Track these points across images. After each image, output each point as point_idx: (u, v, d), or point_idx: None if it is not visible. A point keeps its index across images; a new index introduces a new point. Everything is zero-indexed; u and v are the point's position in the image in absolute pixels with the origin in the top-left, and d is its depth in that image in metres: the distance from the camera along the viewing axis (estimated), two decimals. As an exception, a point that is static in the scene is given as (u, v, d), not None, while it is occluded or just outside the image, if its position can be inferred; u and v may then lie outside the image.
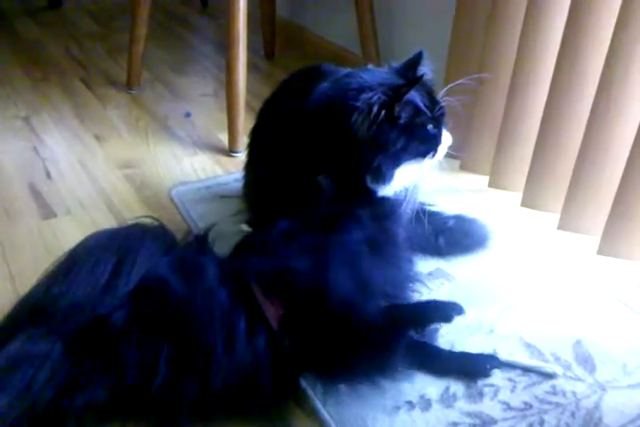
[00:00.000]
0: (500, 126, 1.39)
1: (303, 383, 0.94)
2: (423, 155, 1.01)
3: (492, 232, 1.25)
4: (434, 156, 1.02)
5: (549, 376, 0.98)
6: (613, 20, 1.10)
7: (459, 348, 1.02)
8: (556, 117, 1.25)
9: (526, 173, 1.35)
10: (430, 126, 0.99)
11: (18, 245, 1.25)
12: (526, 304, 1.12)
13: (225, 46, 1.54)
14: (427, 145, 1.00)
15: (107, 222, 1.33)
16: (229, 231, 1.28)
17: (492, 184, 1.44)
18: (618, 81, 1.12)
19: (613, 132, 1.16)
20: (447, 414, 0.91)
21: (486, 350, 1.02)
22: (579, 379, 0.98)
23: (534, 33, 1.26)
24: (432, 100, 1.00)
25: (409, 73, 1.02)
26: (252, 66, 1.80)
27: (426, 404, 0.93)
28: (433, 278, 1.17)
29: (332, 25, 2.16)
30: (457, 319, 1.06)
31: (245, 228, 1.27)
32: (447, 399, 0.93)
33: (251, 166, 1.22)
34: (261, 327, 0.89)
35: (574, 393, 0.95)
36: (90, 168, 1.53)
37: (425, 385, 0.95)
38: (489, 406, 0.92)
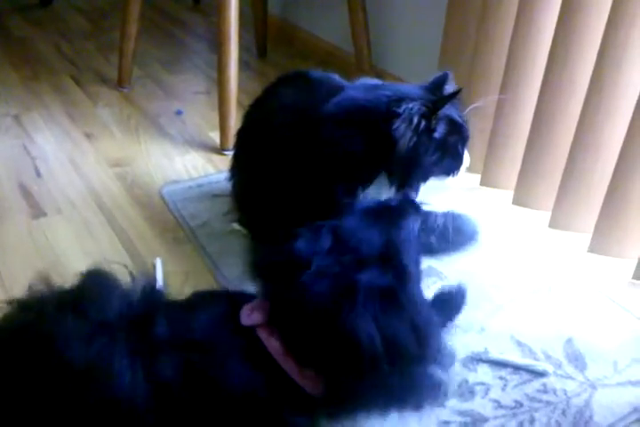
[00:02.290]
0: (491, 125, 1.39)
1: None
2: (449, 172, 1.06)
3: (481, 228, 1.26)
4: (457, 175, 1.07)
5: (540, 374, 0.98)
6: (604, 20, 1.10)
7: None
8: (547, 116, 1.25)
9: (518, 172, 1.35)
10: (460, 147, 1.04)
11: (7, 245, 1.24)
12: (517, 303, 1.13)
13: (217, 44, 1.54)
14: (454, 163, 1.05)
15: (97, 221, 1.32)
16: (221, 230, 1.28)
17: (483, 182, 1.44)
18: (608, 80, 1.12)
19: (604, 130, 1.16)
20: (438, 413, 0.91)
21: (477, 348, 1.02)
22: (569, 377, 0.98)
23: (526, 31, 1.26)
24: (461, 122, 1.04)
25: (436, 92, 1.04)
26: (243, 64, 1.80)
27: (417, 403, 0.93)
28: (424, 277, 1.17)
29: (324, 23, 2.15)
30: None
31: (237, 227, 1.27)
32: (438, 398, 0.94)
33: (240, 170, 1.22)
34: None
35: (565, 391, 0.95)
36: (80, 167, 1.52)
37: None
38: (480, 405, 0.93)
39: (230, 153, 1.57)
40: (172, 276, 1.16)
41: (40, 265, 1.19)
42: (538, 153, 1.30)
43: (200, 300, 0.87)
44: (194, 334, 0.77)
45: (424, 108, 0.96)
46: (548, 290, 1.16)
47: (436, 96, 1.01)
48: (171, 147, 1.62)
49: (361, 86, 1.05)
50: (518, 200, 1.37)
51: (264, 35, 2.18)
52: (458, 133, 1.03)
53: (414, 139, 0.96)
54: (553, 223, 1.30)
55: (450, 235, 1.19)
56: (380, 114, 0.97)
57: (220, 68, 1.53)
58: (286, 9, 2.33)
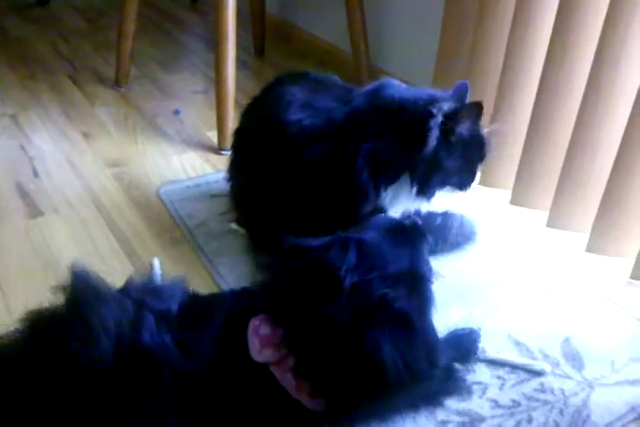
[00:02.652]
0: (488, 122, 1.39)
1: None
2: (462, 187, 1.09)
3: (479, 227, 1.26)
4: (467, 190, 1.10)
5: (538, 374, 0.98)
6: (601, 20, 1.10)
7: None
8: (544, 116, 1.25)
9: (515, 171, 1.35)
10: (477, 163, 1.07)
11: (4, 244, 1.24)
12: (515, 302, 1.13)
13: (214, 43, 1.53)
14: (469, 178, 1.08)
15: (94, 221, 1.32)
16: (219, 230, 1.28)
17: (481, 182, 1.44)
18: (606, 80, 1.12)
19: (601, 130, 1.17)
20: (436, 413, 0.91)
21: (475, 348, 1.02)
22: (567, 376, 0.98)
23: (523, 31, 1.26)
24: (483, 138, 1.07)
25: (460, 100, 1.06)
26: (241, 63, 1.80)
27: (415, 402, 0.93)
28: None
29: (322, 22, 2.15)
30: (446, 318, 1.08)
31: (234, 226, 1.27)
32: (436, 398, 0.94)
33: (239, 170, 1.22)
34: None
35: (562, 391, 0.95)
36: (78, 166, 1.52)
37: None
38: (477, 404, 0.93)
39: (228, 153, 1.58)
40: (169, 275, 1.16)
41: (37, 265, 1.18)
42: (535, 153, 1.30)
43: (199, 312, 0.81)
44: (198, 368, 0.73)
45: (457, 107, 1.00)
46: (546, 289, 1.16)
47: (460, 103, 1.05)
48: (168, 146, 1.62)
49: (392, 87, 1.08)
50: (516, 200, 1.37)
51: (262, 34, 2.18)
52: (478, 150, 1.06)
53: (440, 137, 0.99)
54: (550, 223, 1.30)
55: (448, 235, 1.19)
56: (417, 113, 1.00)
57: (218, 68, 1.53)
58: (284, 8, 2.33)
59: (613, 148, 1.14)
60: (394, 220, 0.88)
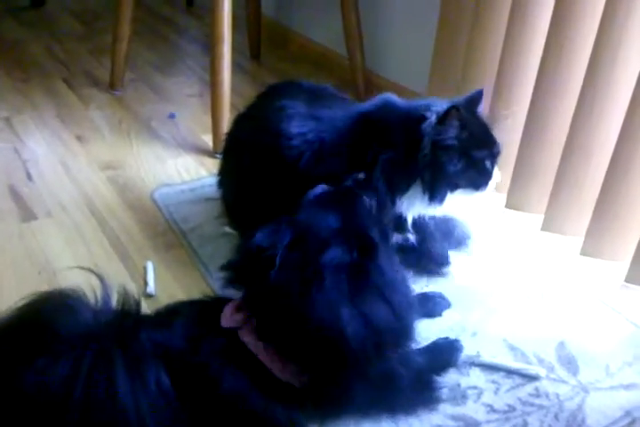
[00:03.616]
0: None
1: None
2: (476, 187, 1.07)
3: (472, 231, 1.26)
4: (484, 189, 1.08)
5: (533, 378, 0.98)
6: (597, 22, 1.10)
7: (442, 350, 1.02)
8: (539, 120, 1.25)
9: (510, 175, 1.35)
10: (488, 162, 1.06)
11: (-3, 248, 1.24)
12: (509, 306, 1.12)
13: (210, 46, 1.53)
14: (481, 178, 1.07)
15: (88, 225, 1.31)
16: (213, 233, 1.28)
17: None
18: (601, 83, 1.12)
19: (596, 133, 1.17)
20: (431, 418, 0.91)
21: (470, 352, 1.02)
22: (562, 381, 0.98)
23: (518, 36, 1.26)
24: (490, 138, 1.06)
25: (470, 108, 1.07)
26: (237, 66, 1.79)
27: (409, 407, 0.92)
28: (416, 280, 1.16)
29: (318, 25, 2.15)
30: (441, 322, 1.08)
31: (228, 230, 1.26)
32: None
33: (231, 174, 1.21)
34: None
35: (557, 395, 0.95)
36: (72, 170, 1.51)
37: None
38: (472, 409, 0.92)
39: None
40: (163, 279, 1.16)
41: (30, 269, 1.18)
42: (530, 157, 1.30)
43: (178, 308, 0.88)
44: (175, 342, 0.79)
45: (446, 108, 1.00)
46: (541, 293, 1.16)
47: (469, 113, 1.05)
48: (163, 150, 1.61)
49: (395, 100, 1.09)
50: (511, 204, 1.37)
51: (257, 37, 2.18)
52: (485, 148, 1.05)
53: (437, 140, 1.00)
54: (545, 226, 1.30)
55: (440, 239, 1.19)
56: (411, 124, 1.02)
57: (214, 71, 1.52)
58: (280, 11, 2.33)
59: (608, 151, 1.14)
60: (326, 189, 0.90)
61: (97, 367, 0.72)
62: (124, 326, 0.77)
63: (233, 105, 1.57)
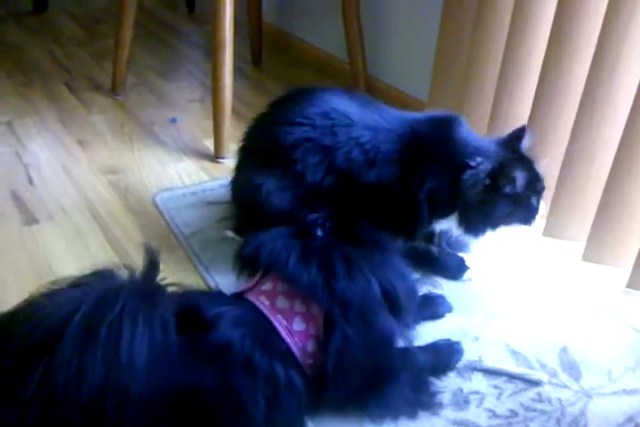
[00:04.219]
0: (485, 131, 1.39)
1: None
2: (522, 223, 1.08)
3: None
4: (530, 224, 1.09)
5: (535, 383, 0.98)
6: (599, 25, 1.11)
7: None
8: (540, 124, 1.26)
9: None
10: (534, 199, 1.06)
11: (-1, 252, 1.24)
12: (512, 311, 1.12)
13: (211, 52, 1.54)
14: (527, 215, 1.07)
15: (90, 229, 1.31)
16: (215, 238, 1.28)
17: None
18: (603, 88, 1.12)
19: (597, 139, 1.17)
20: (433, 423, 0.90)
21: (472, 356, 1.01)
22: (564, 386, 0.98)
23: (520, 40, 1.27)
24: (536, 175, 1.06)
25: (513, 145, 1.08)
26: (238, 72, 1.80)
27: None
28: (420, 285, 1.16)
29: (319, 31, 2.16)
30: (443, 327, 1.08)
31: (230, 234, 1.26)
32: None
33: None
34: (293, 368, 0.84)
35: (560, 400, 0.95)
36: (73, 174, 1.51)
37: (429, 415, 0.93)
38: (475, 414, 0.92)
39: (224, 160, 1.58)
40: (164, 282, 1.15)
41: (31, 273, 1.18)
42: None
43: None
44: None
45: (491, 168, 1.01)
46: (543, 298, 1.16)
47: (514, 152, 1.06)
48: (164, 154, 1.62)
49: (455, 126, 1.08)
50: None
51: (259, 43, 2.18)
52: (532, 187, 1.05)
53: (483, 194, 1.02)
54: (547, 232, 1.30)
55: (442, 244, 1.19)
56: (457, 163, 1.02)
57: (215, 76, 1.53)
58: (281, 17, 2.34)
59: (610, 156, 1.14)
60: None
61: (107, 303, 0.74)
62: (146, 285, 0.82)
63: (234, 110, 1.58)
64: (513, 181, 1.02)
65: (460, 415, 0.92)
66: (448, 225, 1.09)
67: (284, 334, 0.85)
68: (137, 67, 2.08)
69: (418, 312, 1.01)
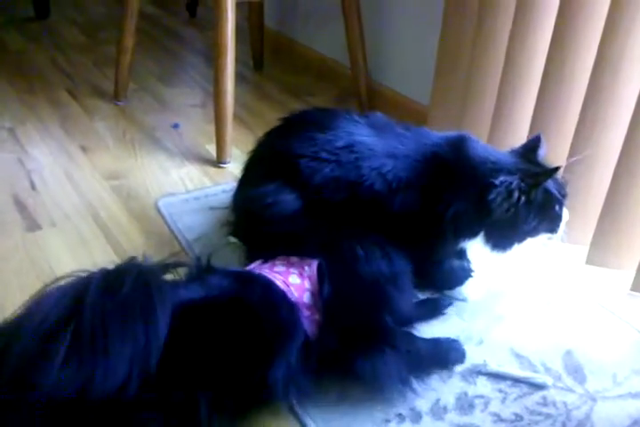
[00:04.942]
0: (487, 137, 1.39)
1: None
2: (547, 232, 1.08)
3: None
4: (556, 232, 1.08)
5: (540, 387, 0.97)
6: (600, 29, 1.11)
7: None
8: (542, 128, 1.26)
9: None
10: (557, 207, 1.05)
11: (2, 258, 1.23)
12: (516, 315, 1.12)
13: (213, 57, 1.54)
14: (553, 224, 1.07)
15: (92, 235, 1.31)
16: (217, 243, 1.28)
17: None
18: (605, 90, 1.13)
19: (600, 143, 1.17)
20: (438, 427, 0.90)
21: (476, 360, 1.01)
22: (569, 389, 0.97)
23: (521, 44, 1.27)
24: (558, 183, 1.06)
25: (530, 156, 1.08)
26: (240, 77, 1.80)
27: (416, 416, 0.92)
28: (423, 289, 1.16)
29: (321, 36, 2.17)
30: (447, 330, 1.07)
31: (233, 239, 1.26)
32: (438, 412, 0.92)
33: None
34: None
35: (565, 404, 0.95)
36: (76, 180, 1.52)
37: (415, 397, 0.94)
38: (479, 418, 0.92)
39: (226, 165, 1.58)
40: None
41: (34, 279, 1.18)
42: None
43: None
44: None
45: (522, 184, 1.00)
46: (547, 302, 1.15)
47: (531, 162, 1.06)
48: (167, 160, 1.62)
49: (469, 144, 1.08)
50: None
51: (260, 48, 2.19)
52: (557, 198, 1.05)
53: (512, 210, 1.01)
54: (550, 235, 1.30)
55: None
56: (480, 183, 1.02)
57: (217, 81, 1.53)
58: (283, 22, 2.35)
59: (613, 159, 1.14)
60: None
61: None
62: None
63: (236, 115, 1.58)
64: (543, 192, 1.02)
65: (465, 420, 0.91)
66: (474, 244, 1.08)
67: (280, 284, 0.89)
68: (139, 73, 2.08)
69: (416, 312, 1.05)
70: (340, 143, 1.08)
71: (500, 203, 1.00)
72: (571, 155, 1.21)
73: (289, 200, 1.09)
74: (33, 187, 1.48)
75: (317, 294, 0.91)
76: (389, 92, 1.87)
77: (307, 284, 0.91)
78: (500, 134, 1.36)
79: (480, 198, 1.01)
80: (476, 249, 1.10)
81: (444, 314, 1.11)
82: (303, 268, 0.93)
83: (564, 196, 1.07)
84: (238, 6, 1.51)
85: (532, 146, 1.09)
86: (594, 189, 1.21)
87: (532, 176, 1.01)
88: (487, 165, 1.04)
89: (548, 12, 1.22)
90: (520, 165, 1.05)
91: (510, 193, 1.00)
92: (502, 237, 1.06)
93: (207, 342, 0.81)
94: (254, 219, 1.13)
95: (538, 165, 1.07)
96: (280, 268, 0.94)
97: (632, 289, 1.18)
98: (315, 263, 0.93)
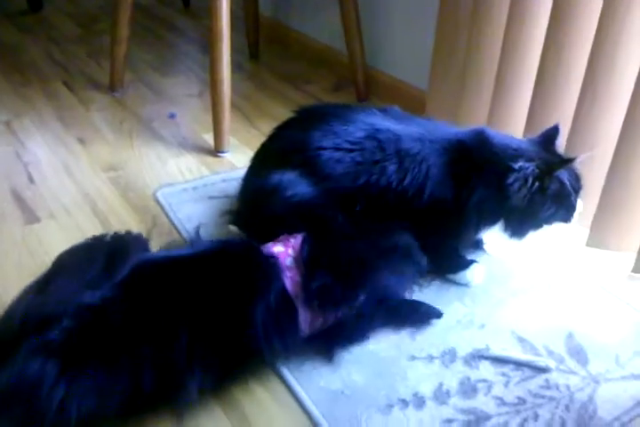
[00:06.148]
0: (485, 120, 1.38)
1: (293, 383, 0.93)
2: (562, 221, 1.09)
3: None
4: (570, 222, 1.09)
5: (542, 370, 0.97)
6: (596, 20, 1.10)
7: (451, 344, 1.02)
8: (541, 115, 1.25)
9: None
10: (573, 198, 1.06)
11: (1, 251, 1.23)
12: (517, 298, 1.12)
13: (208, 46, 1.53)
14: (568, 213, 1.08)
15: (91, 226, 1.31)
16: (217, 232, 1.27)
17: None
18: (602, 78, 1.12)
19: (599, 126, 1.16)
20: (441, 411, 0.90)
21: (478, 345, 1.01)
22: (572, 372, 0.97)
23: (518, 29, 1.26)
24: (575, 173, 1.07)
25: (548, 145, 1.08)
26: (236, 66, 1.79)
27: (419, 401, 0.92)
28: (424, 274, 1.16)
29: (317, 23, 2.15)
30: (448, 315, 1.07)
31: (233, 228, 1.26)
32: (441, 396, 0.93)
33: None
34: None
35: (568, 386, 0.95)
36: (73, 172, 1.51)
37: (418, 382, 0.95)
38: (483, 402, 0.92)
39: (224, 155, 1.58)
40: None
41: (34, 271, 1.17)
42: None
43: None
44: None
45: (537, 171, 1.01)
46: (548, 285, 1.15)
47: (549, 152, 1.06)
48: (164, 150, 1.61)
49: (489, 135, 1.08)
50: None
51: (256, 36, 2.17)
52: (572, 186, 1.06)
53: (528, 196, 1.02)
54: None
55: None
56: (501, 168, 1.02)
57: (213, 70, 1.52)
58: (278, 10, 2.33)
59: (612, 142, 1.14)
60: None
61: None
62: None
63: (233, 104, 1.57)
64: (557, 181, 1.02)
65: (468, 404, 0.91)
66: (493, 231, 1.09)
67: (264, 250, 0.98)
68: (134, 63, 2.07)
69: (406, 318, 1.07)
70: (362, 133, 1.08)
71: (519, 188, 1.01)
72: (571, 138, 1.20)
73: (307, 192, 1.08)
74: (31, 180, 1.48)
75: (299, 258, 0.96)
76: (387, 78, 1.86)
77: (290, 251, 0.98)
78: (500, 122, 1.35)
79: (499, 183, 1.02)
80: (494, 236, 1.11)
81: (427, 324, 1.06)
82: (289, 240, 1.00)
83: (579, 187, 1.07)
84: (233, -7, 1.50)
85: (550, 135, 1.09)
86: (593, 172, 1.20)
87: (547, 164, 1.01)
88: (508, 151, 1.04)
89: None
90: (540, 154, 1.05)
91: (527, 179, 1.01)
92: (520, 225, 1.06)
93: (193, 281, 0.91)
94: (266, 208, 1.12)
95: (555, 154, 1.07)
96: (268, 244, 1.01)
97: (633, 271, 1.17)
98: (300, 236, 1.00)
